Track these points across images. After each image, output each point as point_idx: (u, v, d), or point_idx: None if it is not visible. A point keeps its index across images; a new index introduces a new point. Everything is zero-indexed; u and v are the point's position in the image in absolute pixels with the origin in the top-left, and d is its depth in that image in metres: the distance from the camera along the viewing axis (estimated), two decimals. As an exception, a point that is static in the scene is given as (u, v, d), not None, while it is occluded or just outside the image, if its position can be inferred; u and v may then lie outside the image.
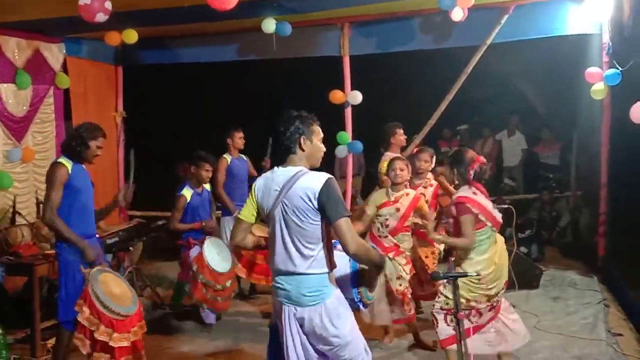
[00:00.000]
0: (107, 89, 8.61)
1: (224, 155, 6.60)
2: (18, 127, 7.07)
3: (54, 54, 7.55)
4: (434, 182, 5.56)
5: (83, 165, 4.49)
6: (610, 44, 6.56)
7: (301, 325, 3.07)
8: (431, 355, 4.96)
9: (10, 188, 6.77)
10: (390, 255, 4.88)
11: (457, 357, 3.31)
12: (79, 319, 4.12)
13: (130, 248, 6.61)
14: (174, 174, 8.36)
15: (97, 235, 5.90)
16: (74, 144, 4.40)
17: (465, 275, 3.44)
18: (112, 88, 8.70)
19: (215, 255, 5.46)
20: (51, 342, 4.41)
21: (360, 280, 3.17)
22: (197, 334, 5.70)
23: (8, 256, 5.45)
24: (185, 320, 5.98)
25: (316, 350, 3.12)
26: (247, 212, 3.22)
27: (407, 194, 4.99)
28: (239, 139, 6.65)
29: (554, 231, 8.53)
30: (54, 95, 7.57)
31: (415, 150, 5.46)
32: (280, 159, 3.16)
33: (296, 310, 3.05)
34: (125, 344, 4.15)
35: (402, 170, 4.96)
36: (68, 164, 4.35)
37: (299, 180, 3.03)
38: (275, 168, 3.18)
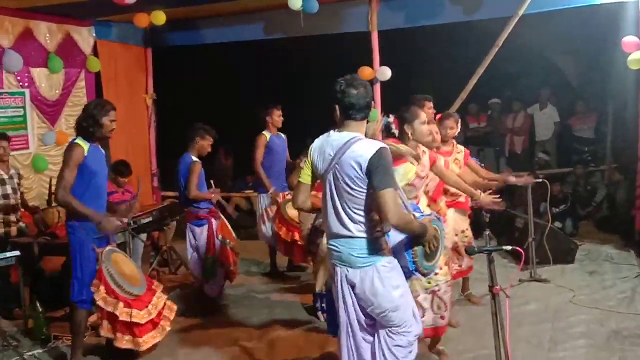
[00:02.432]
0: (138, 72, 8.68)
1: (264, 132, 6.58)
2: (52, 111, 7.20)
3: (85, 37, 7.63)
4: (461, 149, 5.39)
5: (99, 147, 4.41)
6: (648, 11, 6.36)
7: (353, 287, 3.13)
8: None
9: (46, 171, 6.92)
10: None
11: (494, 337, 3.27)
12: (95, 298, 4.15)
13: (165, 228, 6.70)
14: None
15: (132, 215, 6.07)
16: (86, 124, 4.27)
17: (501, 249, 3.39)
18: (142, 70, 8.77)
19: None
20: (92, 319, 4.44)
21: (415, 245, 3.14)
22: (230, 311, 5.76)
23: (45, 237, 5.57)
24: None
25: (366, 314, 3.19)
26: (306, 175, 3.26)
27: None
28: (277, 116, 6.63)
29: (589, 206, 8.38)
30: (85, 78, 7.67)
31: (439, 117, 5.30)
32: (340, 122, 3.15)
33: (348, 271, 3.11)
34: (147, 319, 4.26)
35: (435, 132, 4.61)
36: (85, 145, 4.24)
37: (352, 147, 3.03)
38: (332, 132, 3.18)
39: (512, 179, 5.65)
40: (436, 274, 3.93)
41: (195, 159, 5.67)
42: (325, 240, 3.46)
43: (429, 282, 4.00)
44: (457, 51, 8.87)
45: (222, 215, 5.66)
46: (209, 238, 5.62)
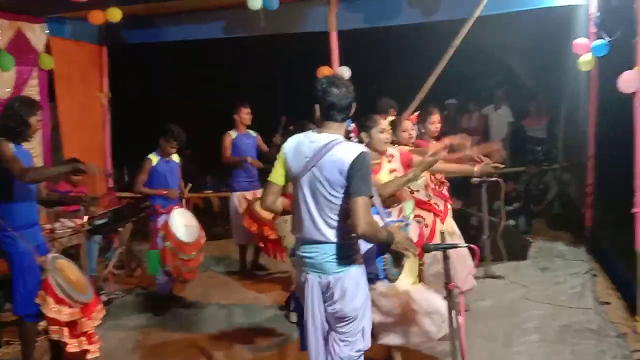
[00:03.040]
0: (92, 70, 8.48)
1: (229, 132, 6.64)
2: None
3: (37, 34, 7.40)
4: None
5: (22, 147, 4.15)
6: (598, 14, 6.55)
7: (323, 293, 3.04)
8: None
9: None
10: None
11: (450, 333, 3.33)
12: (43, 311, 3.94)
13: (120, 229, 6.58)
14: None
15: (87, 216, 5.97)
16: (12, 124, 4.01)
17: (455, 246, 3.45)
18: (96, 68, 8.56)
19: (180, 225, 5.44)
20: (43, 324, 4.25)
21: (385, 252, 3.09)
22: (188, 311, 5.70)
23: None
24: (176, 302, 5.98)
25: (328, 317, 3.08)
26: (277, 174, 3.13)
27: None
28: (245, 114, 6.68)
29: (541, 203, 8.60)
30: (38, 76, 7.45)
31: (415, 115, 5.36)
32: (319, 122, 3.07)
33: (320, 277, 3.02)
34: (92, 329, 4.11)
35: (412, 130, 4.89)
36: (11, 144, 3.99)
37: (332, 150, 2.93)
38: (310, 132, 3.08)
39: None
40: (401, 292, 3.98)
41: (150, 156, 5.73)
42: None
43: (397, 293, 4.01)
44: (415, 52, 8.96)
45: (171, 215, 5.49)
46: (151, 233, 5.70)
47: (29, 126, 4.07)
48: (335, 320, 3.08)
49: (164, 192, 5.75)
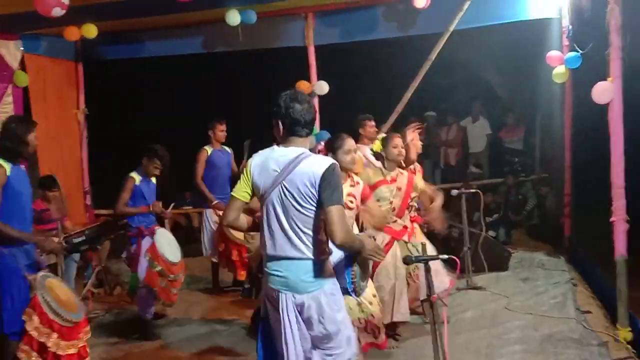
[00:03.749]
0: (68, 86, 8.41)
1: (205, 147, 6.59)
2: (-23, 128, 6.87)
3: (11, 51, 7.31)
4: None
5: (21, 166, 4.20)
6: (570, 27, 6.67)
7: (299, 312, 2.96)
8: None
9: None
10: (405, 238, 4.85)
11: (433, 344, 3.32)
12: (27, 328, 3.86)
13: (98, 247, 6.49)
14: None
15: (64, 235, 5.85)
16: (11, 144, 4.04)
17: (437, 258, 3.46)
18: (72, 85, 8.49)
19: (166, 245, 5.39)
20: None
21: (353, 261, 3.08)
22: (169, 330, 5.62)
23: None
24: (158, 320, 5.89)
25: (307, 339, 3.01)
26: (241, 190, 3.04)
27: (402, 173, 4.92)
28: (220, 131, 6.63)
29: (520, 214, 8.68)
30: (12, 93, 7.35)
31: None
32: (282, 138, 3.01)
33: (294, 297, 2.94)
34: (73, 351, 3.99)
35: (402, 148, 4.82)
36: (6, 165, 4.02)
37: (302, 164, 2.90)
38: (275, 147, 3.03)
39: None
40: (370, 304, 4.01)
41: (132, 174, 5.54)
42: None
43: (362, 312, 4.01)
44: (392, 65, 9.04)
45: (157, 236, 5.43)
46: (135, 255, 5.49)
47: (26, 144, 4.10)
48: (319, 340, 3.02)
49: (146, 209, 5.58)
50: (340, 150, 4.01)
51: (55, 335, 3.91)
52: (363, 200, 4.22)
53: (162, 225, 5.98)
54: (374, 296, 4.08)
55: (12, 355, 4.07)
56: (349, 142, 4.07)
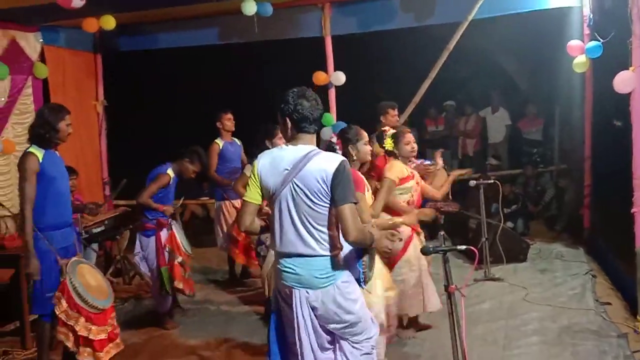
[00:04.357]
0: (87, 78, 8.48)
1: (216, 140, 6.55)
2: (-2, 119, 6.97)
3: (31, 43, 7.40)
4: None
5: (56, 152, 4.30)
6: (591, 16, 6.58)
7: (313, 309, 2.99)
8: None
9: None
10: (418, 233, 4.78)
11: (451, 336, 3.31)
12: (56, 311, 3.99)
13: (117, 237, 6.56)
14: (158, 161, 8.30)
15: (84, 225, 5.94)
16: (43, 131, 4.15)
17: (455, 249, 3.44)
18: (91, 76, 8.57)
19: (183, 236, 5.45)
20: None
21: (363, 254, 3.10)
22: (186, 320, 5.67)
23: (-9, 248, 5.39)
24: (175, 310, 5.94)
25: (327, 332, 3.07)
26: (252, 194, 3.05)
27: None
28: (227, 120, 6.57)
29: (539, 205, 8.61)
30: (32, 85, 7.44)
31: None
32: (290, 135, 3.02)
33: (308, 293, 2.97)
34: (104, 336, 4.10)
35: (414, 143, 4.73)
36: (39, 152, 4.13)
37: (312, 161, 2.92)
38: (284, 145, 3.06)
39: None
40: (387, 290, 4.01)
41: (169, 172, 5.46)
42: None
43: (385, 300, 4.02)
44: (410, 55, 8.98)
45: (174, 228, 5.45)
46: (157, 249, 5.41)
47: (57, 131, 4.19)
48: (342, 331, 3.07)
49: (164, 208, 5.52)
50: (361, 141, 4.04)
51: (82, 319, 4.03)
52: (379, 169, 4.17)
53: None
54: (388, 289, 4.03)
55: (45, 335, 4.25)
56: (365, 133, 4.13)
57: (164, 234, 5.43)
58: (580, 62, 6.55)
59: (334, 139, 3.90)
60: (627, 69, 4.69)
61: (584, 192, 7.33)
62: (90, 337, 4.04)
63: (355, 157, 3.99)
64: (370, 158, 4.16)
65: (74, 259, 4.18)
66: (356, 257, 3.09)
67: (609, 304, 5.27)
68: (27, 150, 4.15)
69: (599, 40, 6.00)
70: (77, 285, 4.00)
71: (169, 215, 5.55)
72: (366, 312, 3.17)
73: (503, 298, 5.64)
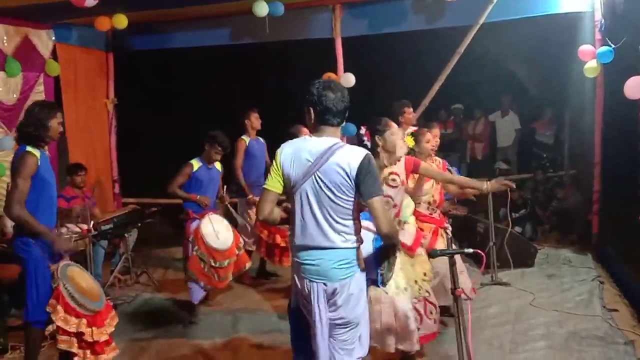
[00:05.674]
0: (98, 76, 8.54)
1: (242, 137, 6.56)
2: (9, 116, 7.01)
3: (43, 40, 7.46)
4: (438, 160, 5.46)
5: (46, 153, 4.16)
6: (603, 21, 6.55)
7: (328, 300, 2.97)
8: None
9: (3, 176, 6.74)
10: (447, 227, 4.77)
11: (457, 339, 3.32)
12: (53, 319, 3.93)
13: (125, 234, 6.59)
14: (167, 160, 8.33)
15: (92, 223, 5.97)
16: (32, 129, 3.97)
17: (462, 252, 3.44)
18: (103, 75, 8.62)
19: (211, 231, 5.42)
20: (50, 328, 4.16)
21: (383, 257, 3.08)
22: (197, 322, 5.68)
23: (2, 244, 5.42)
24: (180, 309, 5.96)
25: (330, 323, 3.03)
26: (273, 182, 3.01)
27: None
28: (255, 119, 6.62)
29: (547, 210, 8.58)
30: (44, 82, 7.50)
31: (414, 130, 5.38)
32: (313, 126, 3.00)
33: (325, 285, 2.95)
34: (105, 337, 4.08)
35: (435, 141, 4.92)
36: (37, 153, 3.97)
37: (336, 154, 2.88)
38: (308, 136, 3.02)
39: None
40: (423, 281, 4.07)
41: (193, 161, 5.68)
42: None
43: (419, 291, 4.07)
44: (420, 58, 8.98)
45: (205, 221, 5.46)
46: (184, 239, 5.62)
47: (47, 129, 4.04)
48: (334, 328, 3.03)
49: (195, 197, 5.64)
50: (388, 131, 3.92)
51: (84, 321, 3.99)
52: (409, 172, 4.13)
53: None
54: (425, 274, 4.12)
55: (34, 341, 4.14)
56: (395, 126, 4.03)
57: (194, 224, 5.54)
58: (591, 67, 6.53)
59: (363, 131, 3.91)
60: (638, 74, 4.67)
61: (592, 197, 7.29)
62: (95, 338, 4.02)
63: (382, 147, 3.88)
64: (403, 154, 4.02)
65: (63, 262, 4.10)
66: (375, 258, 3.06)
67: (616, 310, 5.24)
68: (25, 150, 3.99)
69: (611, 46, 5.99)
70: (70, 289, 3.94)
71: (204, 207, 5.66)
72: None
73: (510, 302, 5.62)
